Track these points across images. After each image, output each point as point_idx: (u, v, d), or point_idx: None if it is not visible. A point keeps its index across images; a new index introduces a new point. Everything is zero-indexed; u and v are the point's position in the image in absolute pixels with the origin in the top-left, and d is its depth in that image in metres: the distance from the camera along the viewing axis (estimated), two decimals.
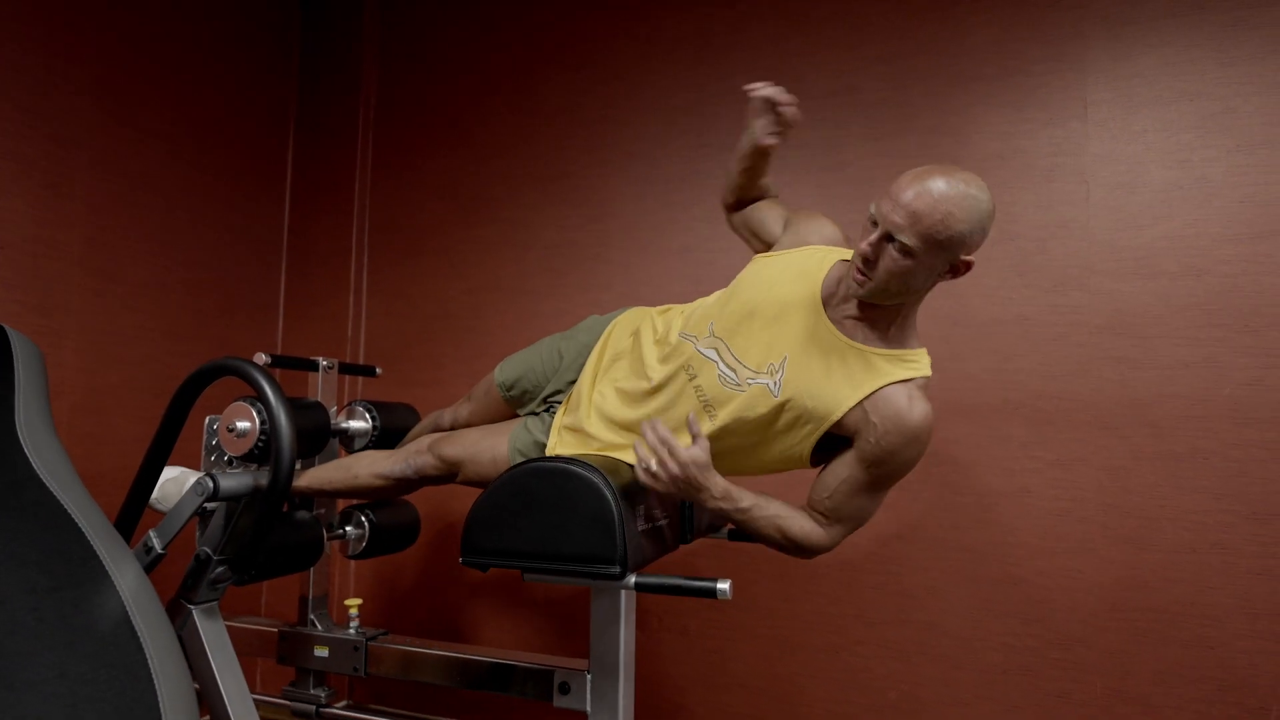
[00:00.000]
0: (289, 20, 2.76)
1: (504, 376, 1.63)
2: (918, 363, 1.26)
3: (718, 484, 1.26)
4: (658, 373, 1.40)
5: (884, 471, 1.25)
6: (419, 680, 1.71)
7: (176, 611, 1.39)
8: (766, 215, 1.49)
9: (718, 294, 1.45)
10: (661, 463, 1.23)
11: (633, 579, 1.23)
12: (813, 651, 2.07)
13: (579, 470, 1.26)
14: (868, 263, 1.18)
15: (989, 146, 2.01)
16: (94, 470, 2.03)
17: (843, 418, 1.24)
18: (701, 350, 1.34)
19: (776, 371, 1.27)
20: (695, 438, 1.25)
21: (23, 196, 1.93)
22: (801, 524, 1.30)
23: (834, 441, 1.29)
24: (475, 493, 1.37)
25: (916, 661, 1.98)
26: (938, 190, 1.12)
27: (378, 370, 2.17)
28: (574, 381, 1.54)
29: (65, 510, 1.05)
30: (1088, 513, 1.86)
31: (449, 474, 1.55)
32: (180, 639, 1.34)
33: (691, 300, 2.24)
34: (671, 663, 2.20)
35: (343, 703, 1.89)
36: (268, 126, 2.67)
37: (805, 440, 1.28)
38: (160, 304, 2.28)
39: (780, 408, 1.26)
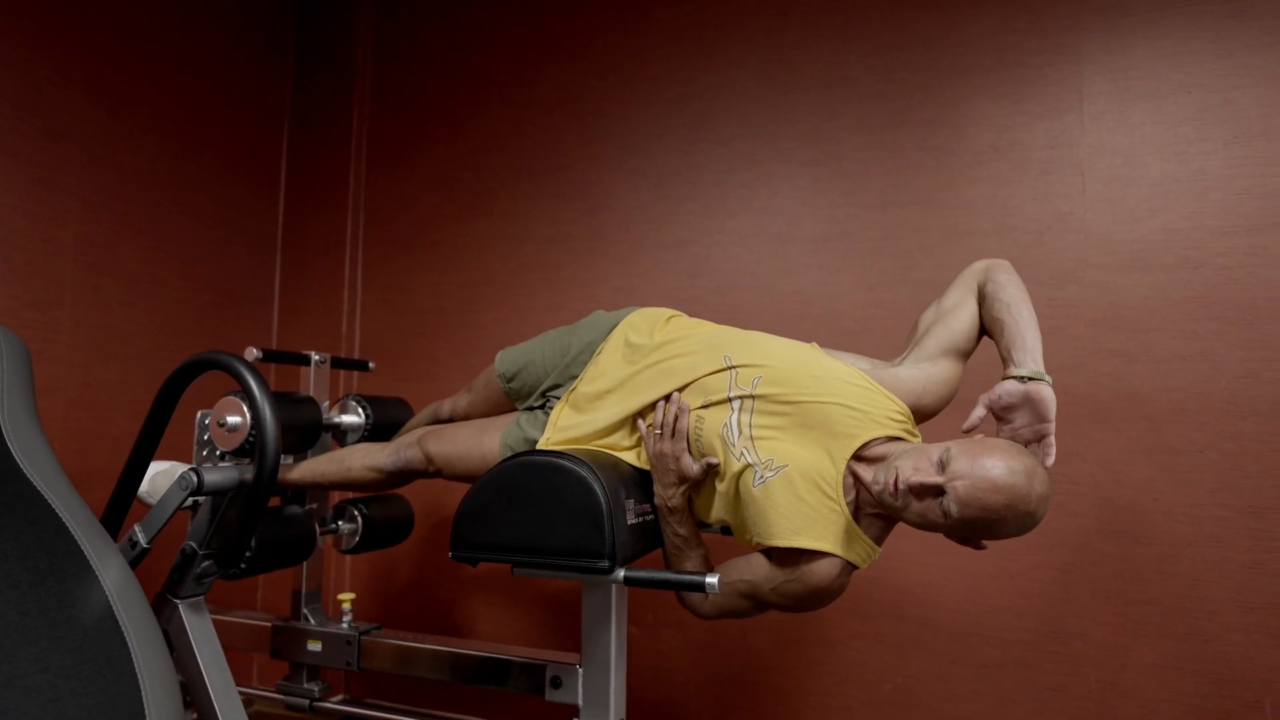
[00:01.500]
0: (283, 14, 2.75)
1: (504, 367, 1.61)
2: (864, 555, 1.29)
3: (676, 498, 1.33)
4: (657, 391, 1.40)
5: (775, 602, 1.31)
6: (412, 674, 1.71)
7: (162, 606, 1.39)
8: (950, 334, 1.37)
9: (782, 344, 1.40)
10: (661, 435, 1.32)
11: (622, 573, 1.23)
12: (807, 645, 2.07)
13: (567, 464, 1.26)
14: (905, 491, 1.16)
15: (984, 139, 2.00)
16: (89, 466, 2.03)
17: (780, 545, 1.26)
18: (729, 394, 1.32)
19: (770, 470, 1.26)
20: (705, 463, 1.31)
21: (15, 191, 1.92)
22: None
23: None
24: (468, 487, 1.36)
25: (911, 655, 1.97)
26: (1005, 489, 1.10)
27: (371, 365, 2.17)
28: (575, 377, 1.52)
29: (49, 504, 1.05)
30: (1082, 507, 1.86)
31: (435, 470, 1.55)
32: (166, 633, 1.33)
33: (685, 294, 2.23)
34: (665, 656, 2.20)
35: (337, 697, 1.89)
36: (262, 121, 2.66)
37: (738, 527, 1.33)
38: (155, 299, 2.27)
39: (748, 497, 1.27)
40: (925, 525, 1.19)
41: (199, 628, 1.38)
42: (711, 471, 1.32)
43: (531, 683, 1.53)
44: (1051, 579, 1.87)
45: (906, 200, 2.06)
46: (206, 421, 1.63)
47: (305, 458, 1.82)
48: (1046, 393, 1.20)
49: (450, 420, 1.78)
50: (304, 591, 1.89)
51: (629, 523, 1.28)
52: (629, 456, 1.41)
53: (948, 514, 1.13)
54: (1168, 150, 1.85)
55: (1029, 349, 1.25)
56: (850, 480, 1.27)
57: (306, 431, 1.73)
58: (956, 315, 1.36)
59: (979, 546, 1.23)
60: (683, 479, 1.33)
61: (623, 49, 2.40)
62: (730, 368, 1.34)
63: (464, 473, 1.51)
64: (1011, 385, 1.22)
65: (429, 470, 1.55)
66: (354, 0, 2.70)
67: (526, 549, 1.26)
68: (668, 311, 1.57)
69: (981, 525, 1.13)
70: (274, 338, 2.70)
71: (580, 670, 1.42)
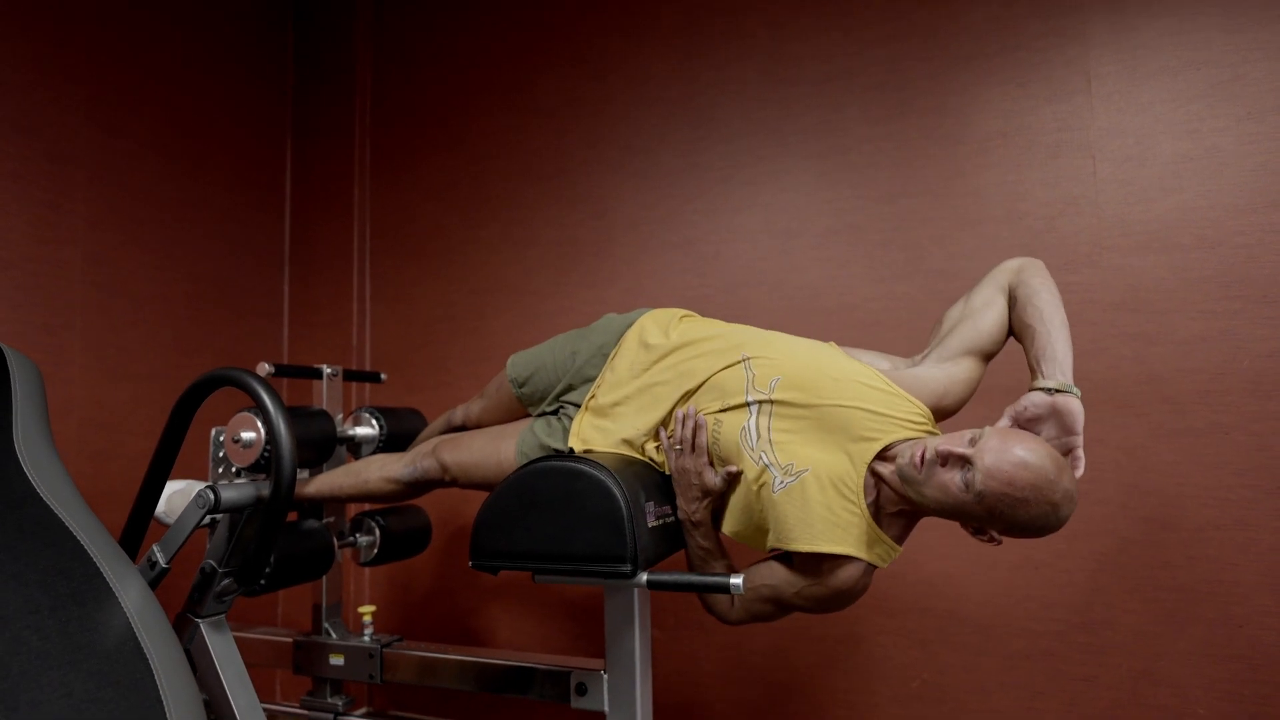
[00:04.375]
0: (281, 29, 2.75)
1: (516, 372, 1.60)
2: (884, 555, 1.27)
3: (700, 513, 1.33)
4: (676, 399, 1.39)
5: (799, 605, 1.30)
6: (435, 685, 1.69)
7: (184, 626, 1.38)
8: (976, 333, 1.33)
9: (805, 344, 1.39)
10: (682, 451, 1.31)
11: (644, 577, 1.22)
12: (833, 643, 2.05)
13: (586, 469, 1.25)
14: (929, 464, 1.15)
15: (991, 125, 1.98)
16: (104, 487, 2.03)
17: (801, 550, 1.25)
18: (748, 398, 1.31)
19: (791, 475, 1.25)
20: (726, 473, 1.30)
21: (23, 215, 1.92)
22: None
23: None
24: (485, 496, 1.35)
25: (938, 649, 1.95)
26: (1030, 480, 1.08)
27: (383, 376, 2.16)
28: (590, 379, 1.50)
29: (66, 528, 1.04)
30: (1107, 493, 1.83)
31: (451, 479, 1.54)
32: (188, 653, 1.33)
33: (693, 293, 2.22)
34: (690, 659, 2.18)
35: (361, 710, 1.88)
36: (264, 135, 2.66)
37: (757, 535, 1.31)
38: (165, 317, 2.27)
39: (772, 503, 1.26)
40: (945, 505, 1.16)
41: (221, 646, 1.37)
42: (737, 480, 1.31)
43: (556, 690, 1.51)
44: (1078, 568, 1.85)
45: (915, 190, 2.04)
46: (221, 438, 1.63)
47: (320, 472, 1.81)
48: (1074, 405, 1.18)
49: (464, 428, 1.77)
50: (324, 605, 1.88)
51: (650, 525, 1.27)
52: (658, 461, 1.40)
53: (969, 485, 1.10)
54: (1179, 129, 1.82)
55: (1059, 361, 1.22)
56: (871, 481, 1.26)
57: (321, 445, 1.72)
58: (984, 315, 1.33)
59: (994, 540, 1.20)
60: (706, 492, 1.32)
61: (622, 49, 2.38)
62: (745, 361, 1.33)
63: (480, 480, 1.50)
64: (1038, 397, 1.21)
65: (445, 479, 1.54)
66: (351, 12, 2.70)
67: (547, 555, 1.25)
68: (680, 311, 1.55)
69: (1002, 505, 1.10)
70: (285, 352, 2.70)
71: (605, 676, 1.41)
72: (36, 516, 1.03)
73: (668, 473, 1.38)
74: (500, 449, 1.50)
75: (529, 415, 1.61)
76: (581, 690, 1.45)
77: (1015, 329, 1.32)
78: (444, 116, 2.60)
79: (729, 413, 1.32)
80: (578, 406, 1.50)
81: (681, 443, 1.33)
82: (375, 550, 1.89)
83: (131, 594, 1.04)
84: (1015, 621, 1.89)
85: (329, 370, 1.92)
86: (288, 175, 2.74)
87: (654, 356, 1.44)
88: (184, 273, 2.34)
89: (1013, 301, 1.32)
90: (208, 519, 1.39)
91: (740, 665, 2.13)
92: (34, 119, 1.96)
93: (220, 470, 1.66)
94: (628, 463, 1.35)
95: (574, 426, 1.46)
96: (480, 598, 2.45)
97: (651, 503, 1.30)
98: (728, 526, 1.36)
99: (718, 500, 1.34)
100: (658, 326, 1.50)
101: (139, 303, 2.20)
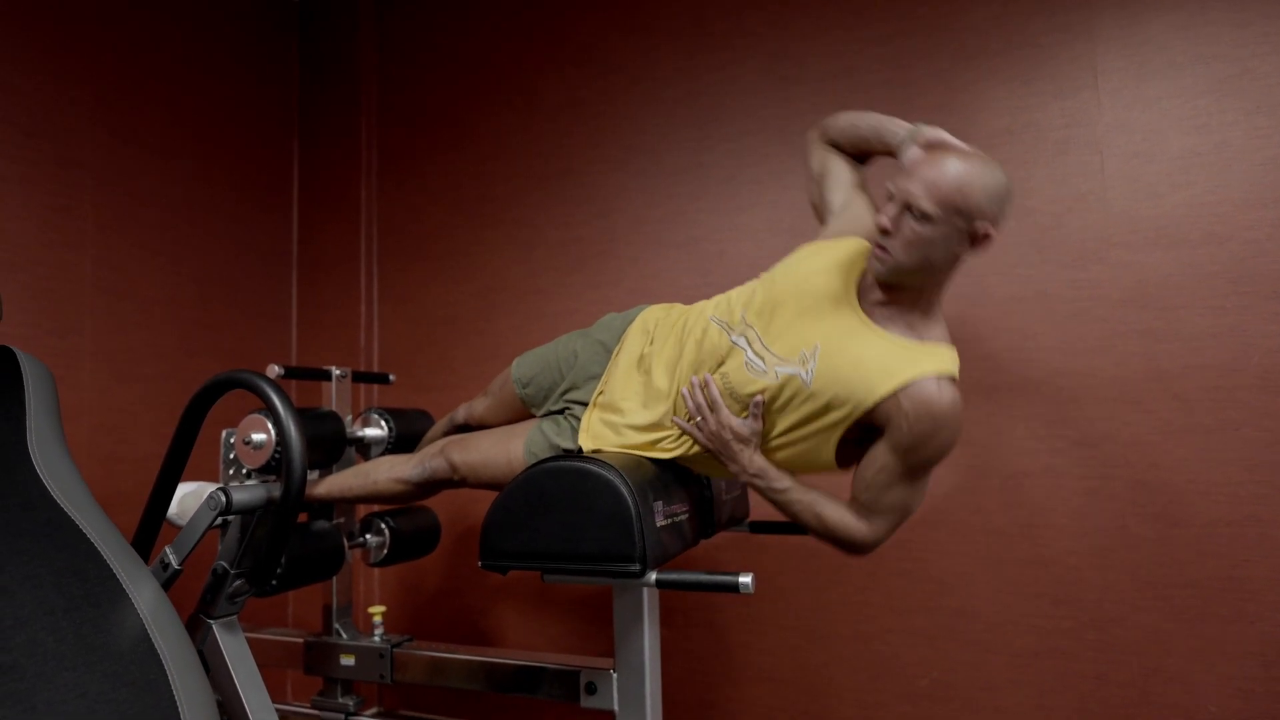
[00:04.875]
0: (287, 32, 2.76)
1: (520, 373, 1.62)
2: (947, 360, 1.25)
3: (754, 461, 1.31)
4: (675, 376, 1.40)
5: (917, 459, 1.24)
6: (445, 685, 1.70)
7: (196, 627, 1.39)
8: (842, 176, 1.49)
9: (751, 283, 1.44)
10: (703, 419, 1.31)
11: (653, 576, 1.22)
12: (842, 641, 2.05)
13: (595, 469, 1.25)
14: (886, 234, 1.21)
15: (998, 122, 1.97)
16: (115, 490, 2.05)
17: (874, 406, 1.22)
18: (733, 339, 1.35)
19: (809, 360, 1.26)
20: (754, 405, 1.29)
21: (32, 219, 1.94)
22: (842, 514, 1.30)
23: (862, 436, 1.28)
24: (494, 496, 1.35)
25: (947, 647, 1.95)
26: (953, 163, 1.18)
27: (391, 378, 2.17)
28: (595, 378, 1.52)
29: (80, 530, 1.05)
30: (1116, 490, 1.82)
31: (460, 479, 1.54)
32: (201, 654, 1.34)
33: (699, 292, 2.23)
34: (698, 658, 2.19)
35: (372, 710, 1.89)
36: (271, 138, 2.67)
37: (834, 430, 1.27)
38: (174, 320, 2.29)
39: (811, 396, 1.26)
40: (930, 257, 1.20)
41: (234, 647, 1.38)
42: (769, 410, 1.30)
43: (566, 689, 1.52)
44: (1088, 565, 1.84)
45: None
46: (232, 440, 1.64)
47: (330, 473, 1.82)
48: (931, 131, 1.31)
49: (466, 426, 1.78)
50: (335, 606, 1.89)
51: (658, 525, 1.27)
52: (675, 452, 1.40)
53: (924, 212, 1.16)
54: (1188, 123, 1.81)
55: (889, 121, 1.40)
56: (877, 308, 1.28)
57: (331, 446, 1.73)
58: (832, 170, 1.49)
59: (985, 237, 1.19)
60: (743, 439, 1.30)
61: (626, 49, 2.39)
62: (713, 319, 1.39)
63: (490, 480, 1.51)
64: (909, 151, 1.31)
65: (454, 479, 1.55)
66: (356, 15, 2.71)
67: (556, 555, 1.25)
68: (676, 305, 1.58)
69: (949, 191, 1.16)
70: (293, 353, 2.71)
71: (615, 675, 1.41)
72: (50, 518, 1.04)
73: (691, 454, 1.37)
74: (509, 448, 1.51)
75: (533, 415, 1.63)
76: (591, 689, 1.46)
77: (853, 151, 1.48)
78: (449, 118, 2.61)
79: (727, 363, 1.34)
80: (583, 405, 1.51)
81: (699, 410, 1.32)
82: (385, 551, 1.90)
83: (145, 595, 1.04)
84: (1024, 619, 1.89)
85: (338, 372, 1.93)
86: (295, 178, 2.75)
87: (650, 348, 1.47)
88: (193, 275, 2.35)
89: (836, 144, 1.50)
90: (219, 520, 1.39)
91: (749, 664, 2.13)
92: (42, 124, 1.98)
93: (231, 472, 1.66)
94: (637, 462, 1.35)
95: (583, 423, 1.47)
96: (490, 597, 2.45)
97: (660, 502, 1.30)
98: (795, 466, 1.35)
99: (759, 441, 1.32)
100: (652, 319, 1.54)
101: (148, 305, 2.21)
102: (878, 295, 1.28)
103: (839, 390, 1.24)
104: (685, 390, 1.36)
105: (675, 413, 1.39)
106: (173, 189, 2.30)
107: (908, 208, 1.18)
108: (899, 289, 1.26)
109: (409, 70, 2.68)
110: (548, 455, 1.47)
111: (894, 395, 1.21)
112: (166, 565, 1.36)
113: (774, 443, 1.33)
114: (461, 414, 1.80)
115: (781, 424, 1.30)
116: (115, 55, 2.16)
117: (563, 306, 2.40)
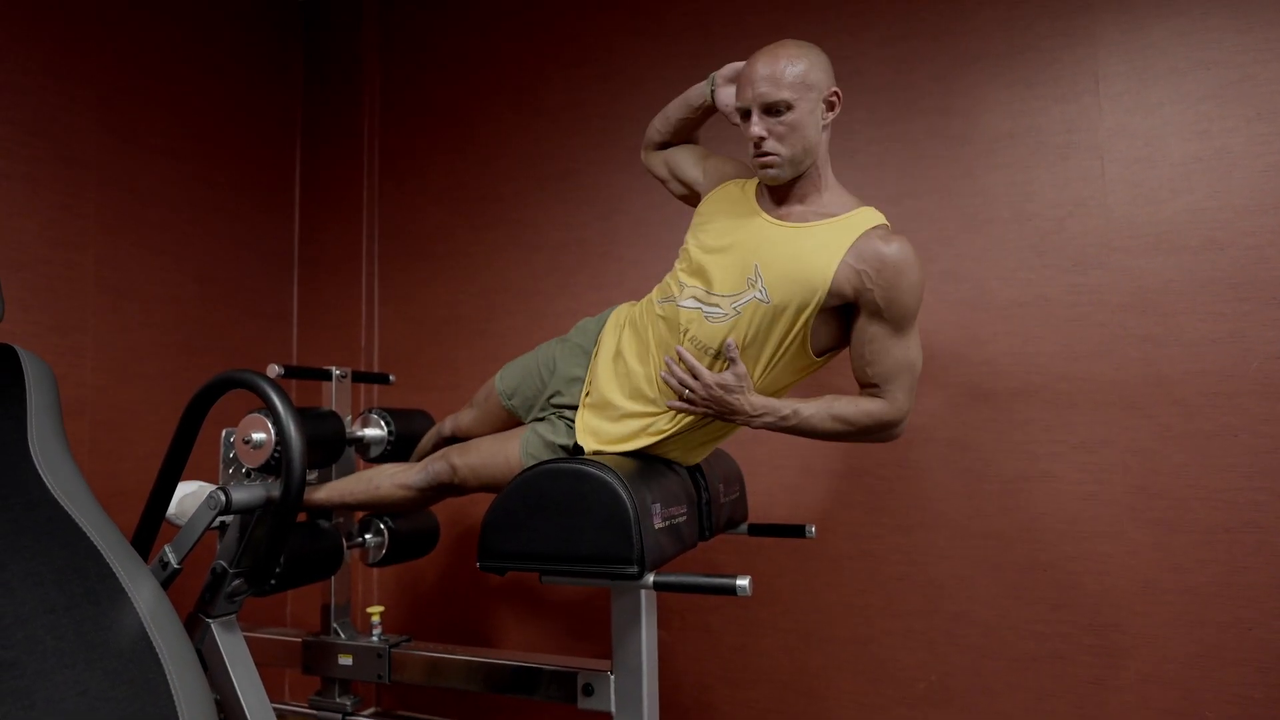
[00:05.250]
0: (290, 33, 2.77)
1: (504, 385, 1.65)
2: (871, 215, 1.33)
3: (754, 402, 1.33)
4: (649, 361, 1.44)
5: (898, 310, 1.29)
6: (443, 685, 1.70)
7: (195, 626, 1.39)
8: (685, 157, 1.61)
9: (676, 261, 1.51)
10: (691, 390, 1.32)
11: (651, 578, 1.22)
12: (839, 644, 2.05)
13: (593, 471, 1.25)
14: (763, 142, 1.30)
15: (1000, 126, 1.97)
16: (116, 487, 2.05)
17: (832, 284, 1.28)
18: (681, 304, 1.39)
19: (756, 281, 1.32)
20: (730, 362, 1.31)
21: (35, 218, 1.94)
22: (857, 403, 1.34)
23: (837, 319, 1.34)
24: (493, 498, 1.36)
25: (945, 651, 1.95)
26: (768, 53, 1.30)
27: (392, 378, 2.17)
28: (577, 380, 1.53)
29: (80, 528, 1.05)
30: (1115, 495, 1.83)
31: (460, 481, 1.55)
32: (199, 653, 1.34)
33: None
34: (695, 660, 2.19)
35: (369, 710, 1.89)
36: (274, 139, 2.68)
37: (805, 325, 1.32)
38: (176, 318, 2.29)
39: (774, 310, 1.31)
40: (807, 138, 1.31)
41: (232, 646, 1.39)
42: (747, 347, 1.33)
43: (563, 691, 1.52)
44: (1086, 570, 1.84)
45: (922, 191, 2.03)
46: (231, 440, 1.64)
47: (330, 476, 1.82)
48: (725, 68, 1.48)
49: (454, 439, 1.78)
50: (333, 606, 1.89)
51: (656, 527, 1.27)
52: (671, 430, 1.41)
53: (782, 101, 1.27)
54: (1189, 129, 1.81)
55: (687, 92, 1.56)
56: (783, 210, 1.37)
57: (330, 446, 1.73)
58: (674, 158, 1.63)
59: (836, 97, 1.32)
60: (734, 389, 1.31)
61: (628, 51, 2.39)
62: (660, 301, 1.45)
63: (489, 481, 1.52)
64: (720, 94, 1.49)
65: (455, 481, 1.55)
66: (359, 16, 2.71)
67: (554, 556, 1.26)
68: (641, 301, 1.59)
69: (787, 72, 1.27)
70: (294, 353, 2.71)
71: (612, 677, 1.42)
72: (51, 516, 1.04)
73: (692, 423, 1.40)
74: (506, 449, 1.52)
75: (521, 424, 1.63)
76: (588, 691, 1.46)
77: (677, 136, 1.63)
78: (451, 119, 2.61)
79: (689, 327, 1.37)
80: (571, 408, 1.53)
81: (683, 384, 1.34)
82: (383, 551, 1.90)
83: (144, 594, 1.05)
84: (1023, 624, 1.89)
85: (338, 372, 1.93)
86: (297, 178, 2.75)
87: (622, 343, 1.51)
88: (194, 274, 2.35)
89: (664, 143, 1.65)
90: (219, 520, 1.40)
91: (747, 667, 2.14)
92: (46, 123, 1.98)
93: (230, 471, 1.67)
94: (635, 465, 1.35)
95: (578, 423, 1.49)
96: (488, 598, 2.46)
97: (658, 504, 1.30)
98: (787, 381, 1.41)
99: (750, 382, 1.33)
100: (624, 316, 1.57)
101: (149, 304, 2.22)
102: (776, 202, 1.38)
103: (794, 288, 1.29)
104: (663, 374, 1.37)
105: (663, 396, 1.40)
106: (175, 188, 2.31)
107: (766, 109, 1.28)
108: (792, 184, 1.36)
109: (411, 71, 2.69)
110: (544, 455, 1.47)
111: (844, 263, 1.27)
112: (166, 564, 1.36)
113: (765, 372, 1.36)
114: (448, 426, 1.80)
115: (765, 352, 1.34)
116: (118, 55, 2.17)
117: (564, 307, 2.40)
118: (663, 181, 1.66)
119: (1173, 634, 1.77)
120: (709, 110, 1.54)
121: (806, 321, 1.31)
